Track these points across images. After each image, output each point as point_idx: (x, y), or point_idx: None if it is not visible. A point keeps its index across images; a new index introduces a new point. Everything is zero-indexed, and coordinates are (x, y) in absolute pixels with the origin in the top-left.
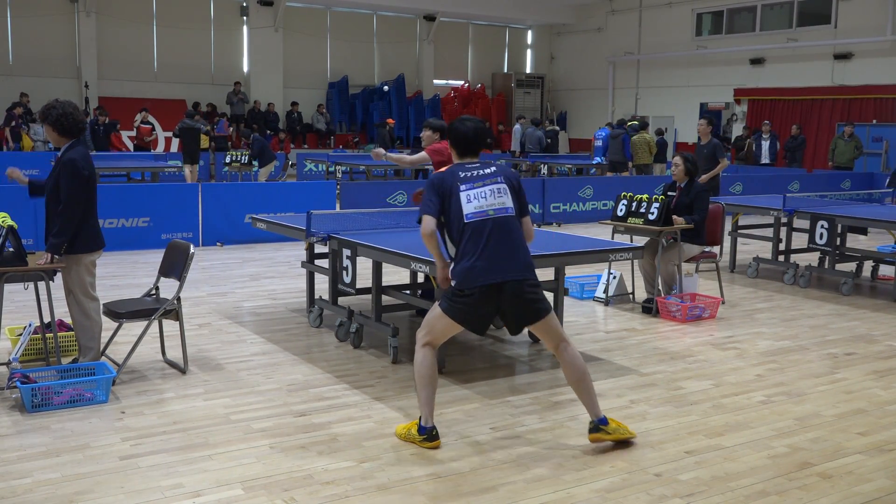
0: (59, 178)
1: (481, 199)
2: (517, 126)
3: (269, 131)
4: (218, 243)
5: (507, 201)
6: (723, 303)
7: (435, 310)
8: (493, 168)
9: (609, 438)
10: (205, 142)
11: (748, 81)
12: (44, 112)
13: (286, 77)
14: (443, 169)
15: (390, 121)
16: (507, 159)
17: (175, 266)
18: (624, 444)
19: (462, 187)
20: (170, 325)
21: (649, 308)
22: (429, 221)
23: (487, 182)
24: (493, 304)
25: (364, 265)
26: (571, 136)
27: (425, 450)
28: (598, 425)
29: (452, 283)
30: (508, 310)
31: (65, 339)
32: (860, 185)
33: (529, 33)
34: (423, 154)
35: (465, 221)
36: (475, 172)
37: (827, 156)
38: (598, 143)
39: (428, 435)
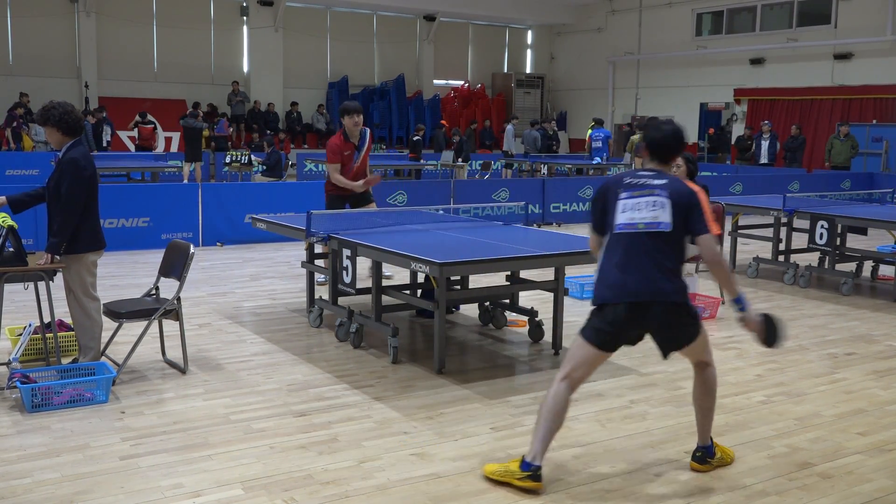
0: (59, 178)
1: (635, 211)
2: (510, 127)
3: (269, 131)
4: (218, 243)
5: (663, 216)
6: (723, 303)
7: (576, 339)
8: (666, 181)
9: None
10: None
11: (748, 81)
12: (44, 114)
13: (286, 77)
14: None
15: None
16: (500, 159)
17: (175, 266)
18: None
19: (623, 195)
20: (170, 325)
21: None
22: (593, 239)
23: (646, 193)
24: (630, 324)
25: (364, 265)
26: (571, 136)
27: (427, 451)
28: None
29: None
30: (656, 331)
31: (65, 339)
32: (860, 185)
33: (529, 33)
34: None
35: (615, 232)
36: (643, 181)
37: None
38: (598, 143)
39: (533, 474)
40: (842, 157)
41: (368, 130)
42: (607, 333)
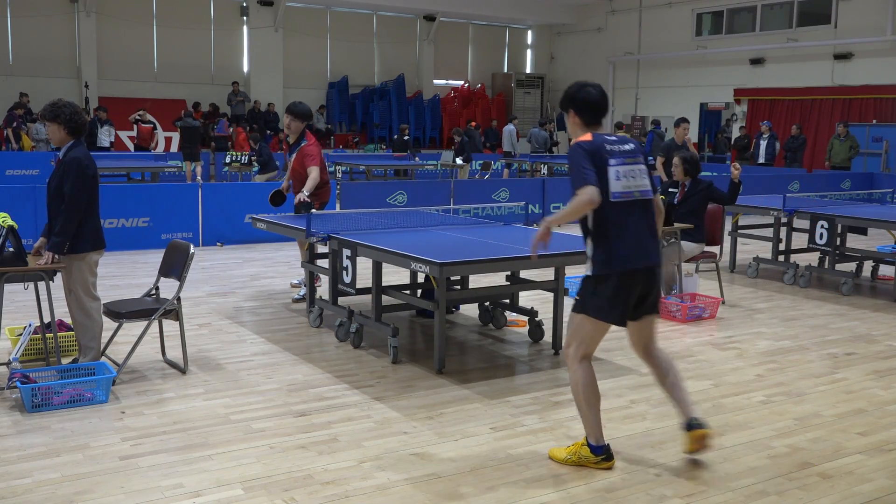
0: (62, 178)
1: (629, 178)
2: (511, 127)
3: (269, 131)
4: (218, 243)
5: (648, 184)
6: (723, 303)
7: (574, 317)
8: (632, 145)
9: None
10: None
11: (748, 81)
12: (54, 111)
13: (286, 77)
14: (587, 137)
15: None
16: (500, 160)
17: (175, 266)
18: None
19: (611, 161)
20: (170, 325)
21: None
22: (594, 192)
23: (630, 161)
24: (636, 291)
25: (364, 265)
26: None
27: (427, 451)
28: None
29: (591, 272)
30: (643, 295)
31: (65, 339)
32: (860, 185)
33: (529, 33)
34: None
35: (612, 200)
36: (618, 147)
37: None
38: None
39: (606, 454)
40: (840, 158)
41: (303, 146)
42: (622, 306)
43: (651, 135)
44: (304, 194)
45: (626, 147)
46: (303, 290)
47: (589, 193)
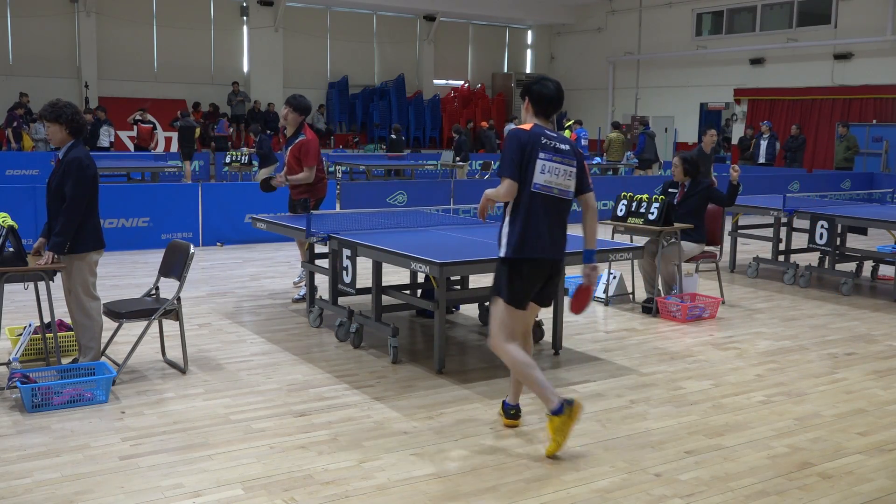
0: (63, 178)
1: (553, 175)
2: (513, 126)
3: (268, 131)
4: (218, 243)
5: (572, 186)
6: (723, 303)
7: (497, 303)
8: (568, 147)
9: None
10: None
11: (748, 81)
12: (56, 111)
13: (286, 77)
14: (527, 126)
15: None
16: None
17: (175, 266)
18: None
19: (542, 155)
20: (170, 325)
21: (649, 308)
22: (510, 186)
23: (562, 161)
24: (542, 279)
25: (364, 265)
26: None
27: (427, 451)
28: (564, 407)
29: (504, 253)
30: (549, 287)
31: (65, 339)
32: (860, 185)
33: (529, 33)
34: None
35: (532, 190)
36: (555, 144)
37: (826, 156)
38: (585, 142)
39: (568, 406)
40: (838, 158)
41: (300, 140)
42: (529, 292)
43: (643, 137)
44: (282, 176)
45: (562, 146)
46: (303, 291)
47: (506, 186)
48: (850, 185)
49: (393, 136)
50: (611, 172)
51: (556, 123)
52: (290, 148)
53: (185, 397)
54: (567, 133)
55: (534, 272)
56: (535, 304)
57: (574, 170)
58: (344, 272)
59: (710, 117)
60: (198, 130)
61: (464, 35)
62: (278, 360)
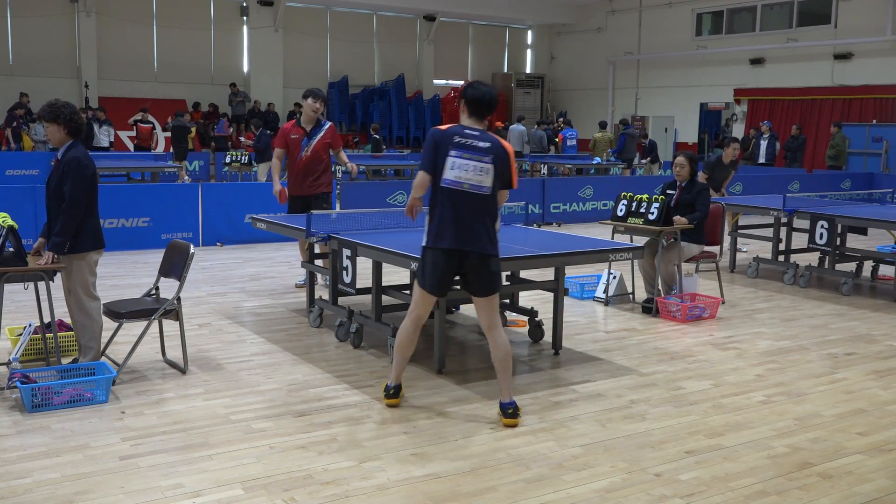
0: (62, 178)
1: (463, 170)
2: (520, 126)
3: (268, 131)
4: (218, 243)
5: (486, 181)
6: (723, 303)
7: (415, 286)
8: (489, 144)
9: (518, 422)
10: (190, 141)
11: (748, 81)
12: (54, 111)
13: (286, 77)
14: (447, 125)
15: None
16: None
17: (175, 266)
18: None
19: (453, 152)
20: (170, 325)
21: (649, 308)
22: (422, 177)
23: (473, 157)
24: (453, 269)
25: (364, 265)
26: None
27: (427, 451)
28: (515, 410)
29: (423, 242)
30: (471, 278)
31: (65, 339)
32: (860, 185)
33: (529, 33)
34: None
35: (442, 185)
36: (470, 142)
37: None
38: (572, 142)
39: (394, 391)
40: (828, 158)
41: (330, 124)
42: (437, 279)
43: (623, 136)
44: (352, 165)
45: (480, 144)
46: (302, 279)
47: (418, 178)
48: (850, 185)
49: (375, 136)
50: (594, 171)
51: (489, 124)
52: (319, 137)
53: (185, 397)
54: (550, 134)
55: (443, 262)
56: (472, 294)
57: (490, 167)
58: (344, 272)
59: (710, 117)
60: (193, 130)
61: (464, 35)
62: (278, 360)
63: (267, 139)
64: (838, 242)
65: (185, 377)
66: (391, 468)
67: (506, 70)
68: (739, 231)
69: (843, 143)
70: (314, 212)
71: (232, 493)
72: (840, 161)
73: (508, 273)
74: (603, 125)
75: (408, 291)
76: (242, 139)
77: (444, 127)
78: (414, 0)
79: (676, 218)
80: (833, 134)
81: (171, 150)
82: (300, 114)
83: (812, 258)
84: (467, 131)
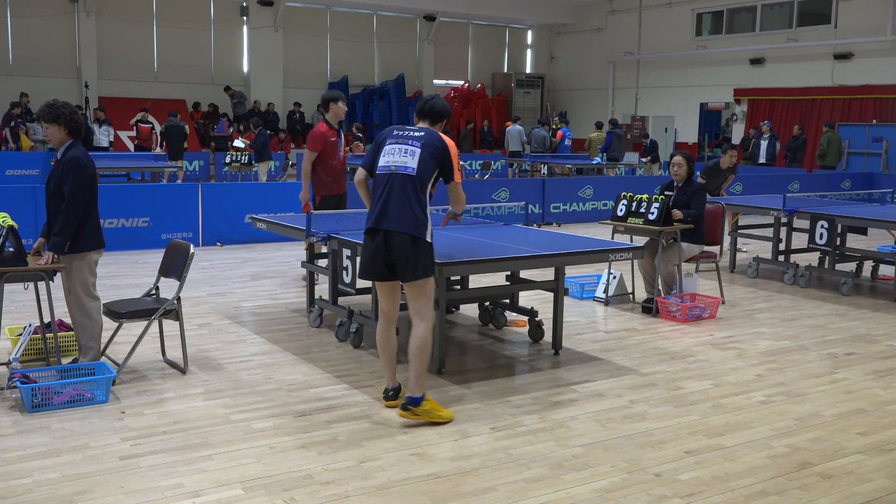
0: (61, 178)
1: (391, 155)
2: (518, 127)
3: (268, 131)
4: (218, 243)
5: (411, 162)
6: (723, 303)
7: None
8: (423, 133)
9: (416, 419)
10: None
11: (748, 81)
12: (54, 112)
13: (286, 77)
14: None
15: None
16: (505, 159)
17: (175, 266)
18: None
19: (387, 144)
20: (170, 325)
21: (649, 308)
22: (359, 172)
23: (403, 143)
24: (380, 251)
25: None
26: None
27: (427, 451)
28: (408, 404)
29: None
30: (395, 261)
31: (65, 339)
32: (860, 185)
33: (529, 33)
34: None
35: (377, 172)
36: (407, 133)
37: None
38: (568, 142)
39: (392, 394)
40: (818, 157)
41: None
42: (369, 263)
43: (609, 135)
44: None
45: (416, 134)
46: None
47: (357, 173)
48: (850, 185)
49: (359, 135)
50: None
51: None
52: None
53: (185, 397)
54: (550, 133)
55: (369, 243)
56: (400, 280)
57: (416, 150)
58: (344, 272)
59: (710, 117)
60: (187, 128)
61: (464, 35)
62: (278, 360)
63: (265, 139)
64: (838, 242)
65: (185, 377)
66: (391, 468)
67: (506, 70)
68: (739, 231)
69: (829, 143)
70: (314, 212)
71: (232, 493)
72: (827, 160)
73: (508, 273)
74: (599, 125)
75: None
76: (237, 142)
77: (391, 127)
78: (414, 0)
79: (674, 211)
80: (823, 133)
81: (166, 151)
82: (323, 115)
83: (812, 258)
84: (408, 127)
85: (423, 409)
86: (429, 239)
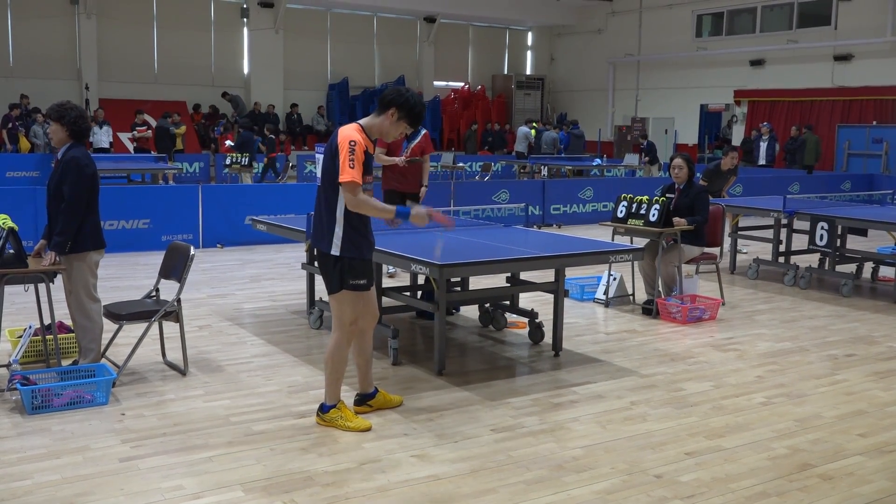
0: (62, 178)
1: (317, 166)
2: (525, 128)
3: (271, 135)
4: (218, 245)
5: (318, 171)
6: (723, 304)
7: None
8: (335, 132)
9: (326, 425)
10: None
11: (748, 83)
12: (60, 111)
13: (286, 79)
14: None
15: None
16: (509, 160)
17: (175, 268)
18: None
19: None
20: (170, 327)
21: (649, 309)
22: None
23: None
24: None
25: None
26: None
27: (428, 453)
28: (318, 410)
29: None
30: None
31: (65, 341)
32: (860, 186)
33: (529, 35)
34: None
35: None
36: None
37: (825, 157)
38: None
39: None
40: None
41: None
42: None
43: (567, 136)
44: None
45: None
46: (391, 268)
47: None
48: (850, 186)
49: None
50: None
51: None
52: (414, 143)
53: (185, 399)
54: (533, 133)
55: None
56: None
57: (321, 157)
58: None
59: (710, 119)
60: (174, 130)
61: (464, 36)
62: (278, 362)
63: (246, 140)
64: (838, 244)
65: (186, 379)
66: (391, 470)
67: (506, 71)
68: (740, 232)
69: (803, 144)
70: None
71: (232, 494)
72: (807, 160)
73: (509, 275)
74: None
75: (408, 293)
76: (227, 143)
77: None
78: (414, 1)
79: (676, 219)
80: (802, 134)
81: (156, 152)
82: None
83: (812, 259)
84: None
85: (329, 417)
86: (335, 252)
